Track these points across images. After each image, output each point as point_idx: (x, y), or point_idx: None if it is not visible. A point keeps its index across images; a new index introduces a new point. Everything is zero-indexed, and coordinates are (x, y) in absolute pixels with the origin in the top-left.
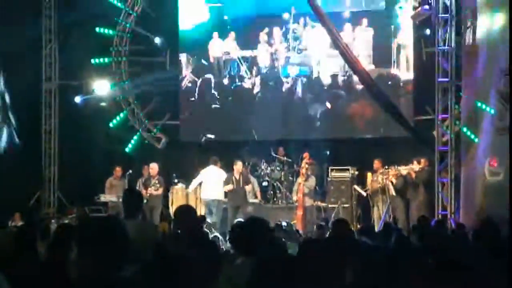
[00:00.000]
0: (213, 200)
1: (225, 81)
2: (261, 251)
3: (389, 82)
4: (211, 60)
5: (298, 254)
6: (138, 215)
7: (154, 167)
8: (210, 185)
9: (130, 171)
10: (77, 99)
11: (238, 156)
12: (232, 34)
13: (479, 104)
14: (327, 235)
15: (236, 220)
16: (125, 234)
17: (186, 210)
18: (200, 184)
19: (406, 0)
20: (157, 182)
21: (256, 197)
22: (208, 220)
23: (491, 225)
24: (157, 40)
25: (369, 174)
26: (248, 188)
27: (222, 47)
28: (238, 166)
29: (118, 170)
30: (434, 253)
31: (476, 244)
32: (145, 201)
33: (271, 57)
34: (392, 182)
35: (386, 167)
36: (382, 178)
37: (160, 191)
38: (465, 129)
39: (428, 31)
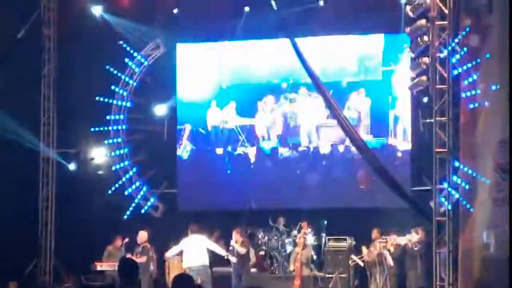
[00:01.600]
0: (200, 266)
1: (222, 150)
2: None
3: (386, 152)
4: (209, 128)
5: None
6: (135, 284)
7: (141, 235)
8: (193, 252)
9: (127, 239)
10: (73, 167)
11: (236, 224)
12: (233, 104)
13: (476, 175)
14: None
15: None
16: None
17: (184, 280)
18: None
19: (404, 70)
20: (140, 250)
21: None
22: None
23: None
24: (159, 109)
25: (363, 248)
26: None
27: (220, 116)
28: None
29: (118, 240)
30: None
31: None
32: None
33: (268, 126)
34: (389, 251)
35: (384, 237)
36: (380, 247)
37: (144, 259)
38: (462, 200)
39: (425, 100)
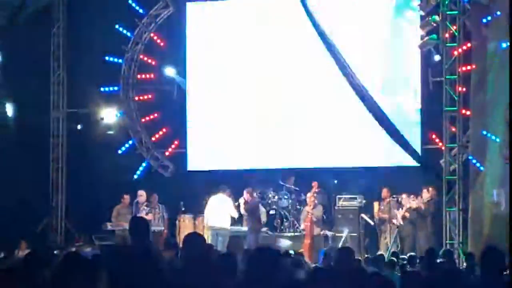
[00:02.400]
0: (220, 228)
1: (232, 109)
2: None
3: (397, 111)
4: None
5: (306, 281)
6: (146, 242)
7: (142, 194)
8: (216, 212)
9: (137, 199)
10: (79, 127)
11: (246, 185)
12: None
13: (486, 133)
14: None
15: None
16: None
17: (195, 238)
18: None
19: (414, 29)
20: (146, 208)
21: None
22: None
23: (495, 251)
24: (169, 71)
25: (375, 204)
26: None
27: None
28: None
29: (126, 198)
30: (441, 284)
31: (483, 272)
32: None
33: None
34: (405, 217)
35: (394, 196)
36: (390, 208)
37: (150, 216)
38: (472, 158)
39: (437, 58)
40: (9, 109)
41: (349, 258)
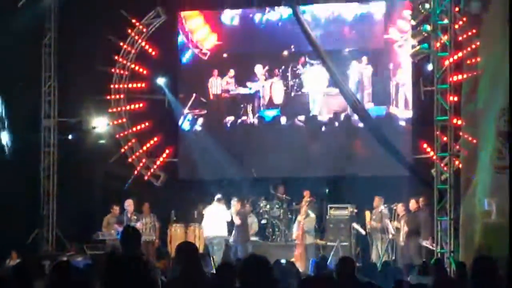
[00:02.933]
0: (215, 237)
1: (224, 118)
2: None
3: (388, 121)
4: (211, 97)
5: None
6: (138, 252)
7: (129, 204)
8: (211, 222)
9: (125, 209)
10: (70, 136)
11: (237, 194)
12: (231, 72)
13: (477, 142)
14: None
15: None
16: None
17: (188, 248)
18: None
19: (405, 38)
20: (135, 218)
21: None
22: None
23: (487, 260)
24: (160, 80)
25: (367, 213)
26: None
27: (221, 85)
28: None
29: (115, 209)
30: None
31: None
32: None
33: (270, 95)
34: (398, 215)
35: (386, 205)
36: (381, 216)
37: (139, 225)
38: (463, 168)
39: (428, 68)
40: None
41: (350, 268)
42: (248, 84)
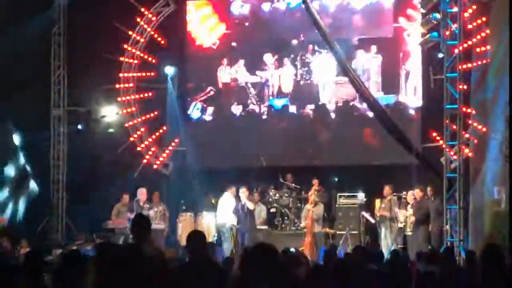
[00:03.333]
0: (224, 224)
1: (233, 107)
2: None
3: (397, 109)
4: (220, 86)
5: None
6: (148, 240)
7: (142, 193)
8: (222, 210)
9: (138, 197)
10: (79, 127)
11: (246, 183)
12: (241, 61)
13: (486, 131)
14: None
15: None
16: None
17: (196, 236)
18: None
19: (414, 27)
20: (148, 207)
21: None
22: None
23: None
24: (168, 70)
25: (377, 201)
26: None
27: (230, 74)
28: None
29: (125, 198)
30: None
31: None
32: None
33: (279, 84)
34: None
35: (395, 194)
36: (391, 205)
37: (151, 214)
38: (473, 156)
39: (437, 56)
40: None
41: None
42: (257, 73)
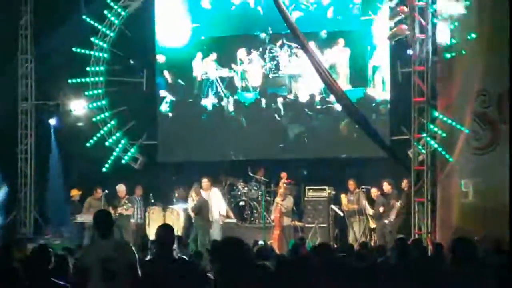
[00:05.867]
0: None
1: (203, 101)
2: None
3: (365, 102)
4: (189, 79)
5: (275, 272)
6: (111, 235)
7: (121, 189)
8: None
9: (107, 191)
10: (52, 121)
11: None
12: (214, 55)
13: (454, 123)
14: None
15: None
16: None
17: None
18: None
19: (382, 20)
20: (127, 202)
21: (229, 217)
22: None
23: (466, 242)
24: (134, 60)
25: (342, 196)
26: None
27: (200, 67)
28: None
29: (98, 191)
30: (412, 273)
31: (453, 261)
32: None
33: (248, 77)
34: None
35: (362, 187)
36: (359, 197)
37: (131, 211)
38: (440, 149)
39: (409, 52)
40: None
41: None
42: (227, 66)
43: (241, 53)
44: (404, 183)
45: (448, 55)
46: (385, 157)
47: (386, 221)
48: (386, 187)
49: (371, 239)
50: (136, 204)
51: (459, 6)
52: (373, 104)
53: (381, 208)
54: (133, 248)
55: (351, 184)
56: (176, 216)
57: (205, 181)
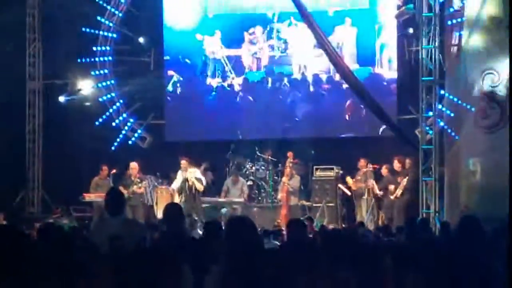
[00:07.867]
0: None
1: (210, 80)
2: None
3: (373, 81)
4: (196, 59)
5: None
6: (122, 213)
7: (134, 167)
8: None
9: (114, 170)
10: (62, 99)
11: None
12: (218, 33)
13: (461, 102)
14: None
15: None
16: None
17: (172, 209)
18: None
19: None
20: (139, 180)
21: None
22: None
23: (473, 220)
24: (142, 40)
25: (348, 178)
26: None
27: (208, 47)
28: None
29: (104, 170)
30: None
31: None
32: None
33: (255, 56)
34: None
35: (370, 166)
36: (366, 177)
37: (143, 189)
38: (448, 128)
39: (411, 30)
40: None
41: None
42: (234, 45)
43: (248, 31)
44: (408, 162)
45: (456, 34)
46: (392, 136)
47: (392, 197)
48: (396, 164)
49: (379, 218)
50: (148, 183)
51: None
52: (381, 83)
53: (391, 186)
54: (142, 225)
55: (361, 162)
56: None
57: (182, 162)
